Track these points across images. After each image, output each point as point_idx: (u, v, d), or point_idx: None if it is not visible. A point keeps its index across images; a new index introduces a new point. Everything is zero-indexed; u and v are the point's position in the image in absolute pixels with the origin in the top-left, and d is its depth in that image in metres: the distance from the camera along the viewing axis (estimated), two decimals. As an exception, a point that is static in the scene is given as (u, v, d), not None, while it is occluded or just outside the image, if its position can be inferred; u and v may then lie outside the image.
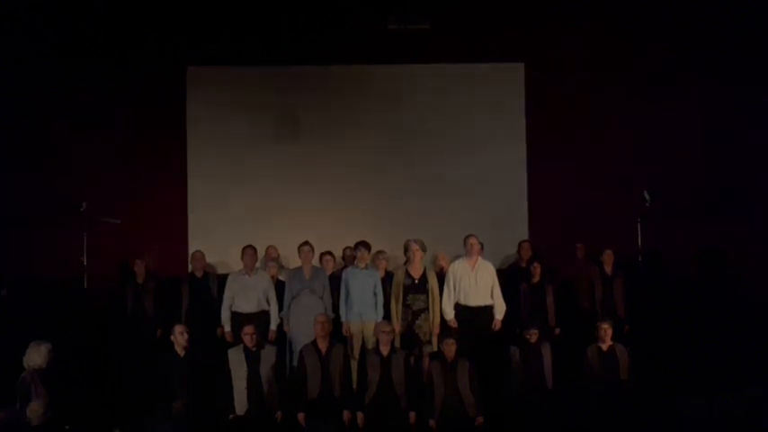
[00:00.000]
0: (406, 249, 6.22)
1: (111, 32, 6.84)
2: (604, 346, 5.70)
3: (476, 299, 6.07)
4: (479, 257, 6.16)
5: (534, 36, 7.12)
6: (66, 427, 4.75)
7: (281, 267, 6.78)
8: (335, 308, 6.13)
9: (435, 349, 5.95)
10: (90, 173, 7.06)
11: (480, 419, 5.38)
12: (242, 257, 6.20)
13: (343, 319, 6.06)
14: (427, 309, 6.08)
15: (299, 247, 6.21)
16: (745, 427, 5.00)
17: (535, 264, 6.46)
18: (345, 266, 6.47)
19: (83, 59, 7.03)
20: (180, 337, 5.42)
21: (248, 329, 5.54)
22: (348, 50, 7.28)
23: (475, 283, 6.07)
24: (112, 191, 7.05)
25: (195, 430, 5.11)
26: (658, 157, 7.12)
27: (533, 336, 5.75)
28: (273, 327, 6.12)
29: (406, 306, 6.07)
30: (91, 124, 7.10)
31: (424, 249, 6.27)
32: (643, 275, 6.49)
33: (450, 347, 5.59)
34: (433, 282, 6.13)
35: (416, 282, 6.11)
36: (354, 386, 5.60)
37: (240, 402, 5.44)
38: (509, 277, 6.48)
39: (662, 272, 6.65)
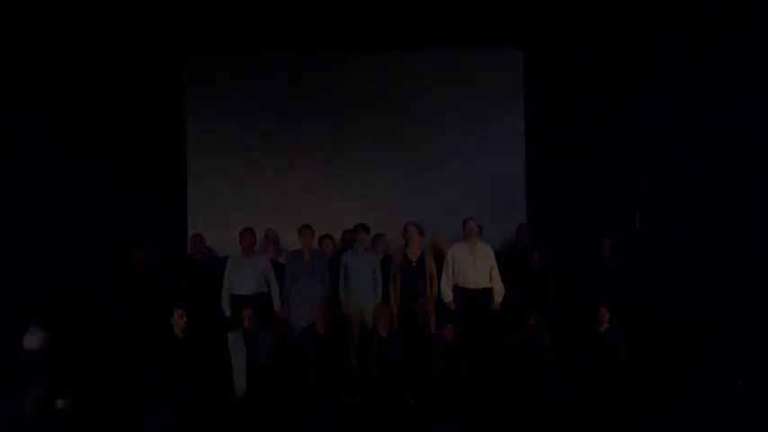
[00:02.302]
0: (405, 232, 6.24)
1: (108, 22, 6.78)
2: (602, 330, 5.74)
3: (474, 282, 6.10)
4: (478, 241, 6.18)
5: (533, 22, 7.06)
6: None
7: (281, 250, 6.79)
8: (335, 291, 6.15)
9: (434, 331, 6.01)
10: (88, 161, 7.03)
11: (479, 403, 5.44)
12: (240, 241, 6.20)
13: (342, 302, 6.10)
14: (425, 291, 6.12)
15: (300, 230, 6.22)
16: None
17: (534, 248, 6.48)
18: (344, 250, 6.48)
19: (82, 52, 6.97)
20: (179, 320, 5.45)
21: (247, 312, 5.58)
22: (347, 37, 7.22)
23: (474, 266, 6.10)
24: (111, 177, 7.04)
25: (195, 413, 5.16)
26: (659, 143, 7.09)
27: (532, 320, 5.80)
28: (277, 308, 6.12)
29: (404, 289, 6.11)
30: (90, 111, 7.06)
31: (422, 233, 6.31)
32: (641, 260, 6.51)
33: (449, 330, 5.64)
34: (430, 265, 6.17)
35: (414, 265, 6.14)
36: (353, 368, 5.67)
37: (239, 385, 5.50)
38: (508, 261, 6.48)
39: (660, 257, 6.65)
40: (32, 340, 4.77)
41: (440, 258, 6.28)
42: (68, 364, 4.95)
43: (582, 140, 7.15)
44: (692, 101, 6.73)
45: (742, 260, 6.35)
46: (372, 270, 6.14)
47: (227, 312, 6.07)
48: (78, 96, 6.94)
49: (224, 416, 5.32)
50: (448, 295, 6.10)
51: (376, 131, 7.44)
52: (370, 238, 6.44)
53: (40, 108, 6.65)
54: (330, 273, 6.19)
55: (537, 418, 5.30)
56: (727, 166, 6.52)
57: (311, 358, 5.56)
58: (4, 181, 6.50)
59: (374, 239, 6.55)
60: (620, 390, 5.44)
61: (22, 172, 6.60)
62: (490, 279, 6.13)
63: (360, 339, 5.90)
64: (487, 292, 6.12)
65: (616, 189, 6.90)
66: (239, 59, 7.43)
